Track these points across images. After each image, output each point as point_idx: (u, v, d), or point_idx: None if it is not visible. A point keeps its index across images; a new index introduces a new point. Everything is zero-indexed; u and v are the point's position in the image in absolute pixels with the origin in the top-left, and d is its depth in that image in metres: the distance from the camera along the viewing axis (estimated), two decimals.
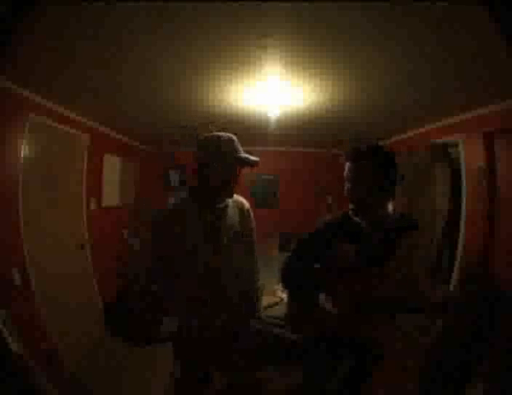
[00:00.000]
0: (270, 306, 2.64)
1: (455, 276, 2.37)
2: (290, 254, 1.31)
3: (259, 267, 1.48)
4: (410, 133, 3.25)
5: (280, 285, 1.37)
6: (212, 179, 1.22)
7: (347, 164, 1.18)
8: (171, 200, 1.38)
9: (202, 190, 1.26)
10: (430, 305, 1.11)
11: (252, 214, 1.44)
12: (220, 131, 1.30)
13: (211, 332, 1.24)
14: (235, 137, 1.29)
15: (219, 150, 1.21)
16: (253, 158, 1.26)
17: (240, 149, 1.27)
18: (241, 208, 1.38)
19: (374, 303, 1.10)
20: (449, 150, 2.68)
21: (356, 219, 1.20)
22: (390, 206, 1.19)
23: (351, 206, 1.21)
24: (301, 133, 3.67)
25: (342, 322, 1.18)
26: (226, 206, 1.30)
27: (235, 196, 1.38)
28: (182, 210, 1.26)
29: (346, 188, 1.19)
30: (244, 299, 1.35)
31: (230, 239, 1.27)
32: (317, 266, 1.24)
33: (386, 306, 1.09)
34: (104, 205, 3.28)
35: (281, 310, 2.50)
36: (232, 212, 1.32)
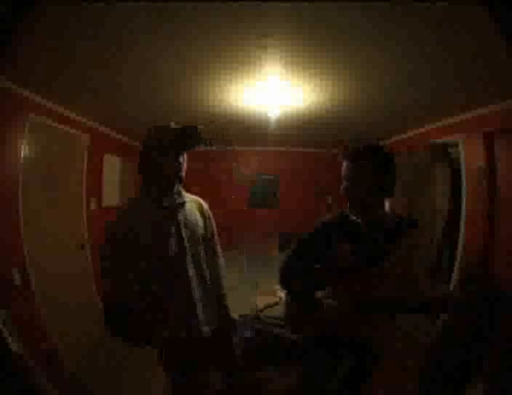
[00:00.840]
0: (270, 306, 2.64)
1: (455, 276, 2.37)
2: (288, 255, 1.31)
3: (224, 272, 1.41)
4: (410, 133, 3.26)
5: (279, 285, 1.35)
6: (153, 169, 1.15)
7: (345, 164, 1.17)
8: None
9: (147, 186, 1.19)
10: (430, 305, 1.11)
11: (211, 214, 1.38)
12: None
13: (184, 333, 1.20)
14: (173, 123, 1.18)
15: (153, 139, 1.14)
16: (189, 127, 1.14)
17: (176, 133, 1.16)
18: (200, 209, 1.32)
19: (374, 303, 1.10)
20: (449, 150, 2.68)
21: (355, 218, 1.20)
22: (388, 206, 1.18)
23: (349, 205, 1.20)
24: (301, 133, 3.67)
25: (342, 322, 1.18)
26: (182, 204, 1.23)
27: (192, 196, 1.33)
28: (134, 212, 1.18)
29: (343, 187, 1.17)
30: (214, 302, 1.30)
31: (190, 240, 1.21)
32: (316, 266, 1.24)
33: (386, 306, 1.09)
34: (104, 205, 3.28)
35: (281, 310, 2.51)
36: (191, 212, 1.26)
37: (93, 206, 3.04)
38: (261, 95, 2.17)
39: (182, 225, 1.20)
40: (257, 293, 2.96)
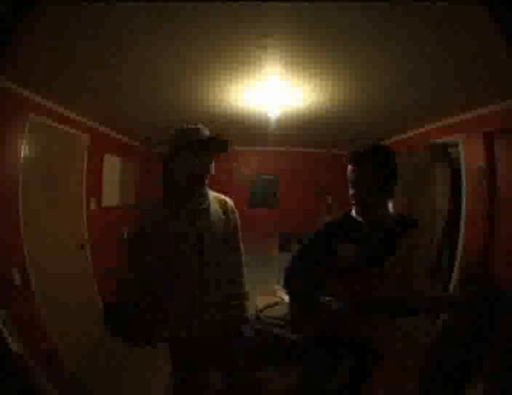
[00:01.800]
0: (270, 306, 2.63)
1: (455, 276, 2.37)
2: (292, 258, 1.31)
3: (244, 270, 1.41)
4: (410, 133, 3.25)
5: (282, 287, 1.36)
6: (178, 173, 1.16)
7: (349, 167, 1.18)
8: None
9: (171, 189, 1.20)
10: (430, 305, 1.11)
11: (237, 213, 1.37)
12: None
13: (198, 332, 1.21)
14: (202, 126, 1.21)
15: (183, 139, 1.15)
16: (220, 139, 1.18)
17: (206, 134, 1.19)
18: (224, 207, 1.31)
19: (374, 303, 1.10)
20: (449, 150, 2.67)
21: (357, 218, 1.20)
22: (390, 205, 1.19)
23: (354, 207, 1.21)
24: (301, 133, 3.67)
25: (342, 322, 1.18)
26: (207, 205, 1.23)
27: (217, 194, 1.32)
28: (157, 213, 1.20)
29: (350, 192, 1.18)
30: (231, 301, 1.30)
31: (212, 240, 1.21)
32: (317, 266, 1.24)
33: (386, 306, 1.09)
34: (104, 205, 3.28)
35: (281, 310, 2.50)
36: (214, 211, 1.26)
37: (93, 206, 3.04)
38: (261, 95, 2.17)
39: (203, 228, 1.20)
40: (257, 293, 2.96)
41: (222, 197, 1.35)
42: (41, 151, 2.25)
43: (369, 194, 1.14)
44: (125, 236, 3.61)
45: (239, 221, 1.39)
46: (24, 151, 2.02)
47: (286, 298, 1.54)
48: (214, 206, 1.27)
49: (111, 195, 3.47)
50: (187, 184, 1.18)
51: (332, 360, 1.24)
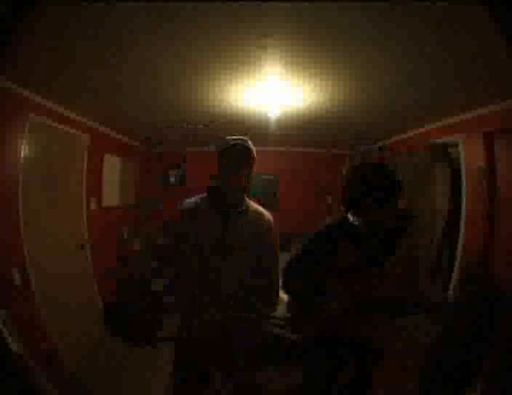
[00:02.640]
0: None
1: (455, 276, 2.37)
2: (290, 259, 1.31)
3: (279, 286, 1.34)
4: (410, 133, 3.25)
5: (280, 287, 1.35)
6: (222, 181, 1.23)
7: (348, 178, 1.18)
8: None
9: (216, 192, 1.27)
10: (430, 305, 1.11)
11: (273, 225, 1.32)
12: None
13: (208, 332, 1.22)
14: (246, 138, 1.26)
15: (226, 152, 1.22)
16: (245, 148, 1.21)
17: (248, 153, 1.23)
18: (260, 221, 1.29)
19: (374, 303, 1.10)
20: (449, 150, 2.67)
21: (354, 221, 1.20)
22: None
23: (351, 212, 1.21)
24: (301, 133, 3.67)
25: (342, 322, 1.18)
26: (242, 214, 1.26)
27: (257, 206, 1.33)
28: (196, 209, 1.26)
29: (345, 197, 1.19)
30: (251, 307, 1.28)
31: (239, 247, 1.22)
32: (317, 267, 1.24)
33: (386, 306, 1.09)
34: (104, 205, 3.28)
35: (280, 310, 2.50)
36: (249, 222, 1.26)
37: (93, 206, 3.04)
38: (261, 95, 2.16)
39: (236, 234, 1.22)
40: None
41: (261, 210, 1.33)
42: (41, 151, 2.25)
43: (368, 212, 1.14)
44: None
45: (275, 234, 1.33)
46: (24, 151, 2.02)
47: (286, 298, 1.53)
48: (250, 215, 1.28)
49: (111, 195, 3.47)
50: (224, 191, 1.24)
51: (333, 360, 1.24)
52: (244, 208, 1.27)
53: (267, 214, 1.33)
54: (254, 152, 1.26)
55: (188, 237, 1.24)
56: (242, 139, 1.24)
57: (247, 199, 1.31)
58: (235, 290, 1.23)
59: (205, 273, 1.21)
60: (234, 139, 1.24)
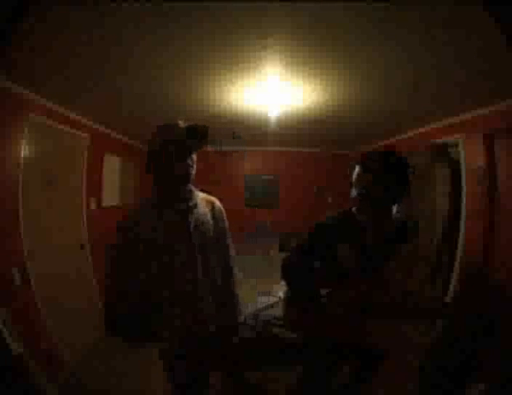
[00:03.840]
0: (270, 306, 2.64)
1: (455, 276, 2.37)
2: (292, 249, 1.30)
3: (237, 272, 1.40)
4: (410, 133, 3.25)
5: (280, 280, 1.34)
6: (160, 174, 1.13)
7: (357, 171, 1.14)
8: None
9: (158, 187, 1.18)
10: (430, 306, 1.11)
11: (224, 214, 1.35)
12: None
13: (193, 332, 1.20)
14: (180, 121, 1.15)
15: (160, 139, 1.11)
16: (197, 126, 1.11)
17: (182, 133, 1.12)
18: (212, 208, 1.30)
19: (374, 305, 1.10)
20: (449, 150, 2.67)
21: (358, 217, 1.18)
22: (394, 208, 1.17)
23: (357, 208, 1.18)
24: (301, 133, 3.67)
25: (342, 323, 1.18)
26: (193, 205, 1.21)
27: (205, 195, 1.31)
28: (145, 212, 1.17)
29: (353, 193, 1.14)
30: (222, 303, 1.29)
31: (200, 240, 1.19)
32: (317, 265, 1.23)
33: (386, 308, 1.09)
34: (104, 205, 3.27)
35: (280, 310, 2.50)
36: (202, 212, 1.24)
37: (93, 206, 3.04)
38: (261, 95, 2.17)
39: (192, 228, 1.18)
40: (257, 293, 2.96)
41: (210, 197, 1.33)
42: (41, 151, 2.25)
43: (378, 205, 1.11)
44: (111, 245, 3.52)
45: (227, 222, 1.37)
46: (24, 151, 2.02)
47: (282, 295, 1.53)
48: (201, 207, 1.25)
49: (111, 195, 3.46)
50: (170, 184, 1.16)
51: (332, 360, 1.24)
52: (194, 200, 1.22)
53: (217, 201, 1.33)
54: (181, 129, 1.13)
55: (145, 242, 1.14)
56: (168, 125, 1.15)
57: (193, 189, 1.25)
58: (209, 289, 1.21)
59: (176, 274, 1.16)
60: (168, 125, 1.14)
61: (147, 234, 1.13)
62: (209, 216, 1.26)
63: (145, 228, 1.13)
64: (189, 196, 1.21)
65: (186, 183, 1.18)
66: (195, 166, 1.18)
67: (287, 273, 1.29)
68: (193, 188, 1.24)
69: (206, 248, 1.22)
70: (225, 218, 1.35)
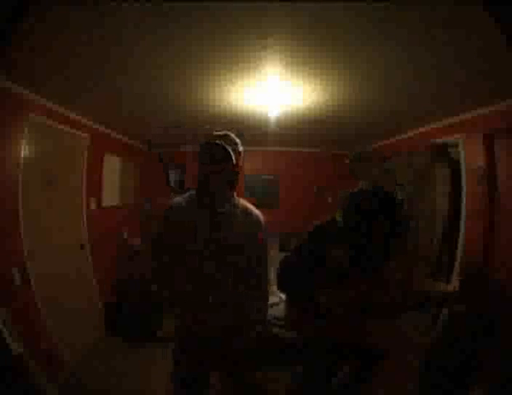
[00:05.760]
0: (270, 306, 2.63)
1: (455, 276, 2.37)
2: (286, 258, 1.31)
3: (268, 286, 1.36)
4: (410, 133, 3.25)
5: (277, 286, 1.35)
6: (204, 180, 1.17)
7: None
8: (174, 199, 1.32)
9: (200, 191, 1.22)
10: (430, 303, 1.11)
11: (263, 226, 1.29)
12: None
13: (206, 332, 1.22)
14: (230, 133, 1.23)
15: (206, 148, 1.15)
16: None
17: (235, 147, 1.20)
18: (249, 219, 1.26)
19: (374, 305, 1.10)
20: (449, 150, 2.67)
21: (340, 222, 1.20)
22: None
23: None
24: (301, 133, 3.67)
25: (342, 323, 1.18)
26: (230, 213, 1.22)
27: (247, 204, 1.29)
28: (183, 209, 1.23)
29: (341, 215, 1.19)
30: (246, 308, 1.27)
31: (229, 248, 1.20)
32: (314, 267, 1.24)
33: (386, 308, 1.09)
34: (104, 205, 3.27)
35: (280, 310, 2.50)
36: (237, 221, 1.23)
37: (93, 206, 3.04)
38: (261, 95, 2.16)
39: (224, 233, 1.19)
40: None
41: (251, 208, 1.30)
42: (41, 151, 2.25)
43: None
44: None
45: (265, 237, 1.31)
46: (24, 151, 2.02)
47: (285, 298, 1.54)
48: (241, 214, 1.25)
49: (111, 195, 3.46)
50: (206, 189, 1.19)
51: (333, 360, 1.24)
52: (231, 207, 1.23)
53: (256, 212, 1.29)
54: (238, 147, 1.23)
55: (172, 238, 1.22)
56: (221, 135, 1.21)
57: (236, 197, 1.27)
58: (226, 291, 1.21)
59: (196, 275, 1.19)
60: (213, 136, 1.21)
61: (180, 234, 1.20)
62: (243, 228, 1.23)
63: (179, 225, 1.21)
64: (227, 203, 1.23)
65: (226, 191, 1.21)
66: (236, 172, 1.21)
67: (285, 278, 1.30)
68: (233, 196, 1.26)
69: (232, 257, 1.21)
70: (262, 228, 1.29)
